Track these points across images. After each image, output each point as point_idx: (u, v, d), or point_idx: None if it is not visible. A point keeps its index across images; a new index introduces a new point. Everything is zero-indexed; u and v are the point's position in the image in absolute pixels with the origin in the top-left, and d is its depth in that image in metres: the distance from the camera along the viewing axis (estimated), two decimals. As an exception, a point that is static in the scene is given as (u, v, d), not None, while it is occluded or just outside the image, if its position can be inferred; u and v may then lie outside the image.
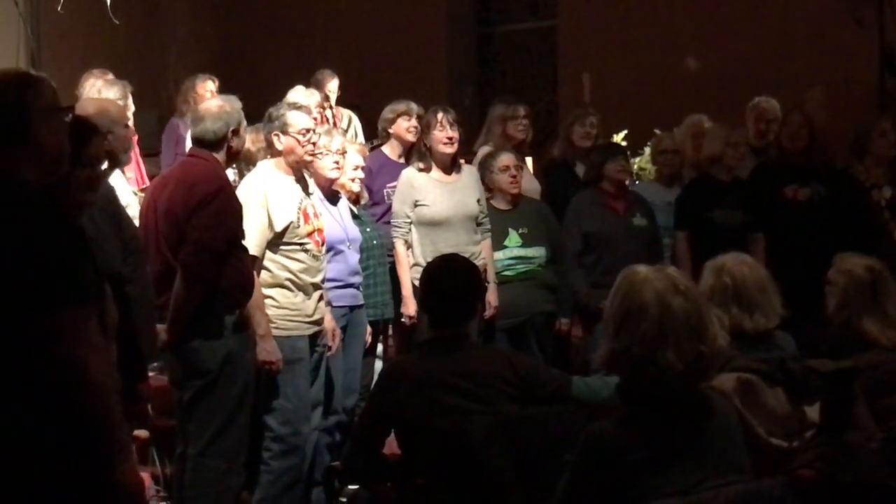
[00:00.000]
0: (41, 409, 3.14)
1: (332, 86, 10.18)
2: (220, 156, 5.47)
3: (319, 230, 5.94)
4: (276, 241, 5.77)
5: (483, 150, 7.85)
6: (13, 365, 3.12)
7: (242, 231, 5.48)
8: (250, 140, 6.47)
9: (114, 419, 3.20)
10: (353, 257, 6.43)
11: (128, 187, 6.15)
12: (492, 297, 6.86)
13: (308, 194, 5.98)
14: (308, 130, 5.90)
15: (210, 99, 5.88)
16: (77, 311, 3.15)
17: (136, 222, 5.54)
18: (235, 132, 5.47)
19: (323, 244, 5.98)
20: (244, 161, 6.55)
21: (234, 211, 5.43)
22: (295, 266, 5.81)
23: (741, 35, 11.09)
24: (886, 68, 9.88)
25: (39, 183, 3.29)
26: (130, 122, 5.62)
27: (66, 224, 3.30)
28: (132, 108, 6.54)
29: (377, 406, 4.66)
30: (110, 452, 3.20)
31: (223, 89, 6.09)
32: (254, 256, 5.66)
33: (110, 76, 7.34)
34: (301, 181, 5.96)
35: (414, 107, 7.77)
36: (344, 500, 6.12)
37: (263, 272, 5.74)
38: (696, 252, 7.14)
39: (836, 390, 4.20)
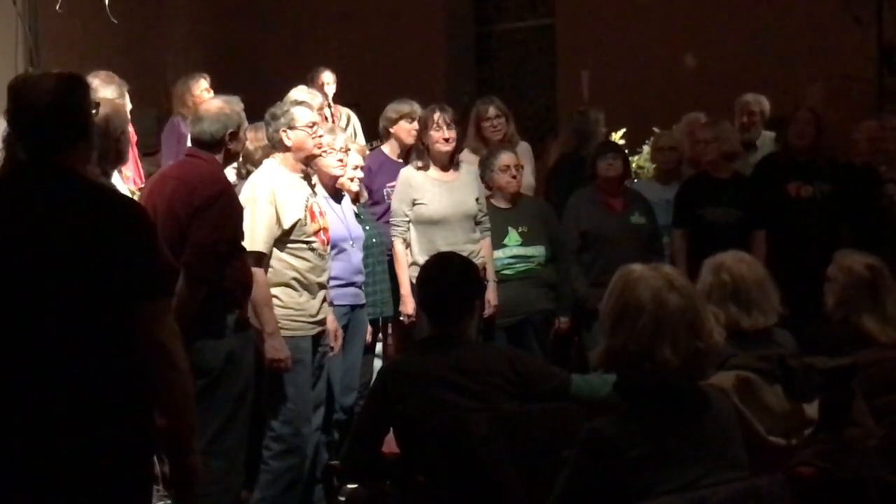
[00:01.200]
0: (137, 394, 3.31)
1: (327, 77, 10.06)
2: (219, 157, 5.48)
3: (325, 229, 5.95)
4: (283, 240, 5.76)
5: (465, 154, 7.76)
6: (115, 354, 3.29)
7: (242, 232, 5.48)
8: (250, 139, 6.47)
9: (192, 406, 3.34)
10: (357, 256, 6.43)
11: (124, 186, 6.15)
12: (491, 295, 6.86)
13: (314, 192, 5.98)
14: (315, 124, 5.92)
15: (212, 98, 5.87)
16: (163, 301, 3.37)
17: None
18: (234, 135, 5.46)
19: (328, 243, 5.99)
20: (243, 160, 6.55)
21: (235, 212, 5.43)
22: (301, 265, 5.81)
23: (740, 33, 11.10)
24: (885, 65, 9.88)
25: (90, 177, 3.45)
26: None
27: (146, 218, 3.50)
28: (129, 106, 6.53)
29: (376, 404, 4.66)
30: (187, 436, 3.33)
31: (222, 88, 6.08)
32: (261, 253, 5.66)
33: (117, 79, 7.32)
34: (306, 179, 5.97)
35: (417, 109, 7.66)
36: (343, 498, 6.12)
37: (269, 271, 5.74)
38: (693, 250, 7.15)
39: (835, 388, 4.20)
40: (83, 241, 3.26)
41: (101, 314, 3.26)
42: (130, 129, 5.78)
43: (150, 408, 3.33)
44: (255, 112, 6.03)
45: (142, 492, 3.45)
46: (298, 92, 7.84)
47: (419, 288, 4.94)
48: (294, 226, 5.75)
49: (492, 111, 7.88)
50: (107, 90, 6.58)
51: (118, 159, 5.27)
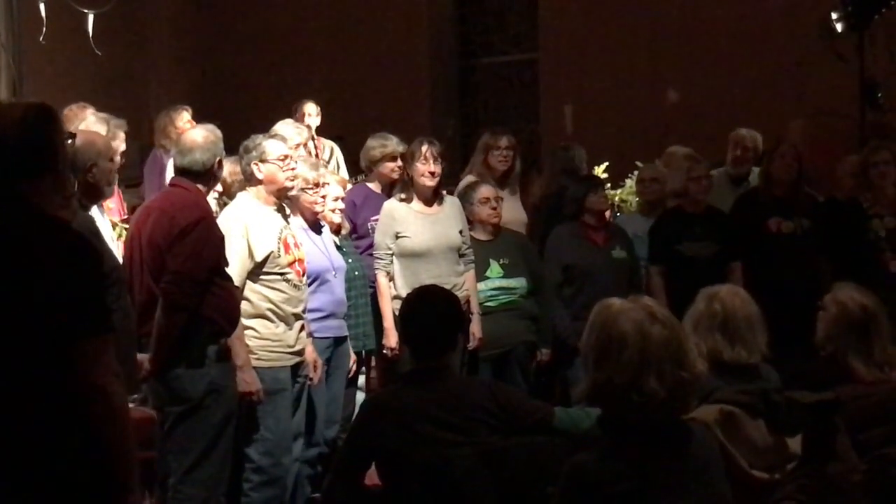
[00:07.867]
0: (68, 432, 3.22)
1: (310, 109, 10.06)
2: (205, 186, 5.48)
3: (300, 260, 5.94)
4: (256, 272, 5.76)
5: (466, 180, 7.80)
6: (45, 391, 3.20)
7: (225, 260, 5.47)
8: (228, 172, 6.46)
9: (131, 445, 3.28)
10: (339, 287, 6.42)
11: (103, 218, 6.12)
12: (476, 328, 6.85)
13: (288, 223, 5.98)
14: (286, 157, 5.91)
15: (193, 129, 5.86)
16: (103, 339, 3.26)
17: (117, 251, 5.54)
18: (220, 162, 5.50)
19: (304, 274, 5.98)
20: (222, 192, 6.53)
21: (215, 240, 5.43)
22: (276, 296, 5.80)
23: (723, 68, 11.17)
24: (867, 102, 9.94)
25: (53, 209, 3.39)
26: (118, 158, 5.60)
27: (94, 254, 3.41)
28: (123, 147, 6.50)
29: (358, 438, 4.64)
30: (126, 477, 3.27)
31: (206, 120, 6.07)
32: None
33: (91, 109, 7.30)
34: (280, 211, 5.96)
35: (398, 146, 7.66)
36: (324, 532, 6.08)
37: (244, 303, 5.73)
38: (670, 285, 7.17)
39: (819, 422, 4.20)
40: (17, 272, 3.19)
41: (35, 350, 3.18)
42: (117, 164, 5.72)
43: (86, 445, 3.24)
44: (238, 145, 6.03)
45: None
46: (284, 125, 7.82)
47: (402, 322, 4.93)
48: (267, 258, 5.75)
49: (504, 142, 7.96)
50: (98, 128, 6.55)
51: (94, 193, 5.24)
